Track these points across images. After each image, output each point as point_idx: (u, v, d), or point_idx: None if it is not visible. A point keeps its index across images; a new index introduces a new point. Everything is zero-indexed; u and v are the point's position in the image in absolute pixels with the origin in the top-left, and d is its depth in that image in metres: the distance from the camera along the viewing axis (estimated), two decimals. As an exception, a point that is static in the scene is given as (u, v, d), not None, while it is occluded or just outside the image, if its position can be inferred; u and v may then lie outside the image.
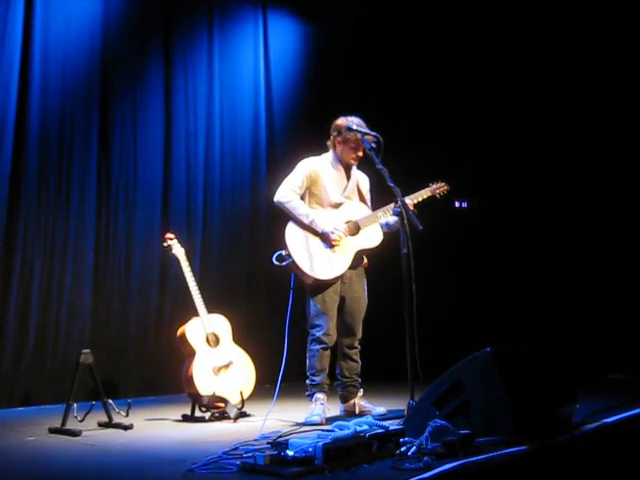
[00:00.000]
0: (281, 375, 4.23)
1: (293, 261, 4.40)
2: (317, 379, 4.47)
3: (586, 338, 6.21)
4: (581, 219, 6.70)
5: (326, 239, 4.44)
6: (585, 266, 6.64)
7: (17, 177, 5.52)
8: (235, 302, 5.99)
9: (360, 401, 4.59)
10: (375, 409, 4.50)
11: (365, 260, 4.68)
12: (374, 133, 4.30)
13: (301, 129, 6.94)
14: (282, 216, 4.55)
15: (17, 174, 5.52)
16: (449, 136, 7.18)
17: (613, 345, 6.20)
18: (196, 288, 4.83)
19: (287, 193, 4.50)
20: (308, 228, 4.46)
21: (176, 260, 4.96)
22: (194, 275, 4.91)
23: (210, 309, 4.85)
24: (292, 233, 4.47)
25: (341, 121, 4.56)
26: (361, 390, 4.63)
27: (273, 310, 6.17)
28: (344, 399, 4.61)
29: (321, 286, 4.48)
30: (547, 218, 6.90)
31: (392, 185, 4.14)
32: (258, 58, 7.10)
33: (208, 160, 6.68)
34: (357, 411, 4.51)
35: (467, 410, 3.27)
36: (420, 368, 3.81)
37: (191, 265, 4.96)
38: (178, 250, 4.98)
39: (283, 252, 4.43)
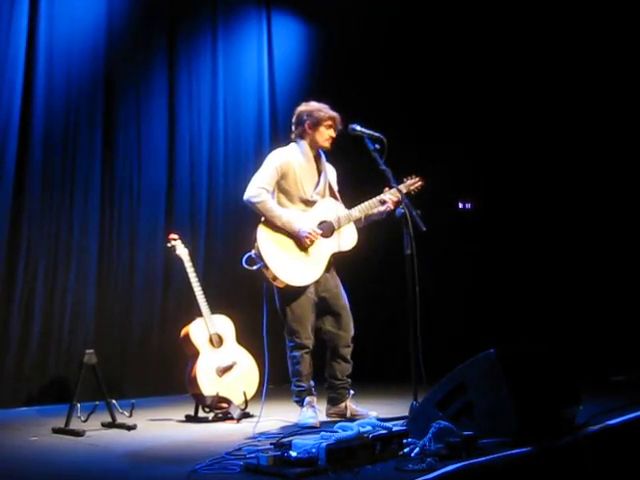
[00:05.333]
0: (266, 381, 4.22)
1: (264, 265, 4.22)
2: (305, 385, 4.31)
3: (589, 340, 6.20)
4: (584, 221, 6.70)
5: (299, 240, 4.26)
6: (588, 268, 6.64)
7: (21, 177, 5.52)
8: (238, 303, 5.98)
9: (351, 404, 4.40)
10: (368, 413, 4.29)
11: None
12: (378, 134, 4.22)
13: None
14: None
15: (21, 174, 5.52)
16: (453, 136, 7.18)
17: (616, 347, 6.19)
18: (200, 289, 4.83)
19: (258, 192, 4.28)
20: (281, 230, 4.28)
21: (180, 260, 4.96)
22: (198, 275, 4.91)
23: (214, 310, 4.85)
24: (264, 235, 4.27)
25: (305, 106, 4.44)
26: (351, 392, 4.45)
27: (276, 311, 6.18)
28: (334, 402, 4.41)
29: (294, 291, 4.28)
30: (550, 220, 6.90)
31: (395, 185, 4.14)
32: (262, 59, 7.10)
33: (212, 160, 6.68)
34: (349, 414, 4.32)
35: (471, 411, 3.27)
36: (424, 369, 3.80)
37: (195, 265, 4.96)
38: (182, 250, 4.98)
39: (253, 254, 4.26)
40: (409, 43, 7.38)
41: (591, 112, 6.70)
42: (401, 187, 4.39)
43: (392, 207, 4.36)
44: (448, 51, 7.31)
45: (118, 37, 6.12)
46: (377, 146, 4.18)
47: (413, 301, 3.85)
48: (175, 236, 5.04)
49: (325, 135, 4.40)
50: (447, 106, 7.24)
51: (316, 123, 4.39)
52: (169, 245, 5.01)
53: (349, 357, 4.44)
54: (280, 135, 7.04)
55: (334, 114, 4.43)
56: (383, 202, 4.41)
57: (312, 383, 4.36)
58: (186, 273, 4.89)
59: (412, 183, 4.53)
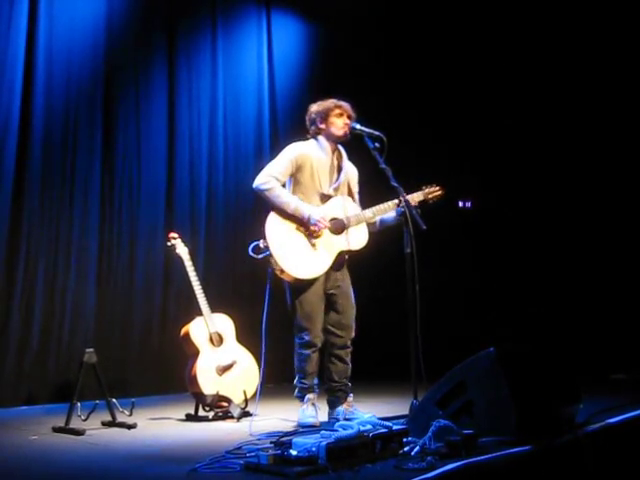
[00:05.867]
0: (262, 375, 4.22)
1: (270, 255, 4.15)
2: (308, 382, 4.25)
3: (589, 338, 6.21)
4: (583, 219, 6.70)
5: (309, 228, 4.17)
6: (587, 266, 6.64)
7: (21, 176, 5.52)
8: (238, 301, 5.98)
9: (348, 407, 4.31)
10: (364, 416, 4.15)
11: (346, 256, 4.40)
12: (377, 133, 4.20)
13: (304, 128, 6.91)
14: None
15: (21, 174, 5.52)
16: (452, 135, 7.18)
17: (616, 345, 6.20)
18: (200, 287, 4.83)
19: (267, 180, 4.20)
20: (291, 218, 4.18)
21: (180, 259, 4.96)
22: (198, 274, 4.91)
23: (214, 308, 4.85)
24: (273, 225, 4.19)
25: (312, 106, 4.42)
26: (350, 395, 4.37)
27: (276, 309, 6.19)
28: (332, 405, 4.33)
29: (303, 286, 4.22)
30: (550, 218, 6.90)
31: (396, 185, 4.11)
32: (262, 58, 7.11)
33: (212, 159, 6.68)
34: (342, 418, 4.18)
35: (470, 410, 3.27)
36: (424, 368, 3.80)
37: (194, 264, 4.96)
38: (182, 249, 4.98)
39: (261, 244, 4.17)
40: (409, 42, 7.38)
41: (591, 110, 6.70)
42: (419, 194, 4.38)
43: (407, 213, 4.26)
44: (449, 50, 7.31)
45: (118, 36, 6.12)
46: (377, 145, 4.16)
47: (413, 300, 3.85)
48: (175, 235, 5.04)
49: (339, 124, 4.34)
50: (448, 105, 7.24)
51: (325, 116, 4.35)
52: (169, 244, 5.01)
53: (347, 358, 4.36)
54: (280, 133, 7.05)
55: (342, 103, 4.38)
56: (398, 206, 4.32)
57: (315, 381, 4.31)
58: (186, 272, 4.89)
59: (431, 192, 4.46)
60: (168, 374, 5.79)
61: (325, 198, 4.33)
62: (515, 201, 7.12)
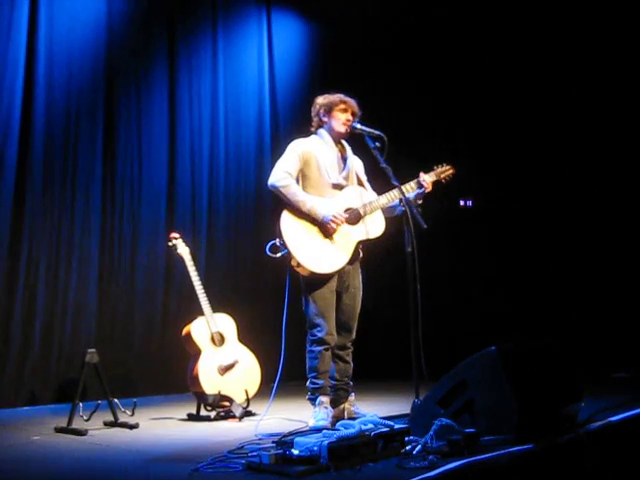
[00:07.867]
0: (280, 372, 4.15)
1: (288, 252, 4.07)
2: (320, 382, 4.14)
3: (591, 337, 6.20)
4: (585, 218, 6.69)
5: (325, 226, 4.11)
6: (589, 264, 6.64)
7: (22, 177, 5.53)
8: (240, 301, 5.99)
9: (350, 406, 4.28)
10: (366, 415, 4.05)
11: (360, 253, 4.33)
12: (378, 132, 4.18)
13: (305, 127, 6.89)
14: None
15: (22, 174, 5.53)
16: (454, 135, 7.17)
17: (618, 344, 6.19)
18: (201, 287, 4.84)
19: (283, 176, 4.14)
20: (306, 216, 4.12)
21: (181, 259, 4.96)
22: (199, 274, 4.92)
23: (215, 308, 4.85)
24: (288, 222, 4.12)
25: (318, 98, 4.40)
26: (352, 394, 4.34)
27: (278, 309, 6.17)
28: (333, 403, 4.23)
29: (318, 281, 4.14)
30: (551, 217, 6.89)
31: (396, 184, 4.10)
32: (262, 57, 7.11)
33: (213, 159, 6.69)
34: (346, 417, 4.14)
35: (472, 409, 3.27)
36: (425, 367, 3.79)
37: (196, 264, 4.97)
38: (183, 249, 4.99)
39: (277, 242, 4.09)
40: (410, 41, 7.37)
41: (593, 108, 6.69)
42: (431, 175, 4.31)
43: (430, 188, 4.25)
44: (450, 48, 7.30)
45: (118, 37, 6.13)
46: (377, 144, 4.13)
47: (414, 299, 3.84)
48: (176, 235, 5.05)
49: (341, 119, 4.30)
50: (448, 104, 7.24)
51: (329, 109, 4.33)
52: (170, 244, 5.02)
53: (348, 358, 4.33)
54: (281, 133, 7.06)
55: (348, 98, 4.36)
56: (420, 184, 4.26)
57: (330, 382, 4.23)
58: (187, 272, 4.90)
59: (443, 171, 4.37)
60: (170, 374, 5.80)
61: (338, 187, 4.28)
62: (515, 200, 7.11)
